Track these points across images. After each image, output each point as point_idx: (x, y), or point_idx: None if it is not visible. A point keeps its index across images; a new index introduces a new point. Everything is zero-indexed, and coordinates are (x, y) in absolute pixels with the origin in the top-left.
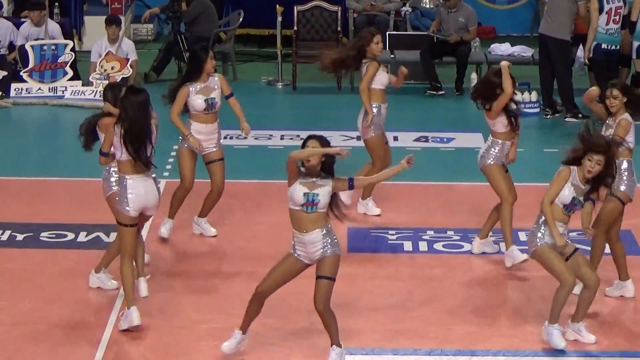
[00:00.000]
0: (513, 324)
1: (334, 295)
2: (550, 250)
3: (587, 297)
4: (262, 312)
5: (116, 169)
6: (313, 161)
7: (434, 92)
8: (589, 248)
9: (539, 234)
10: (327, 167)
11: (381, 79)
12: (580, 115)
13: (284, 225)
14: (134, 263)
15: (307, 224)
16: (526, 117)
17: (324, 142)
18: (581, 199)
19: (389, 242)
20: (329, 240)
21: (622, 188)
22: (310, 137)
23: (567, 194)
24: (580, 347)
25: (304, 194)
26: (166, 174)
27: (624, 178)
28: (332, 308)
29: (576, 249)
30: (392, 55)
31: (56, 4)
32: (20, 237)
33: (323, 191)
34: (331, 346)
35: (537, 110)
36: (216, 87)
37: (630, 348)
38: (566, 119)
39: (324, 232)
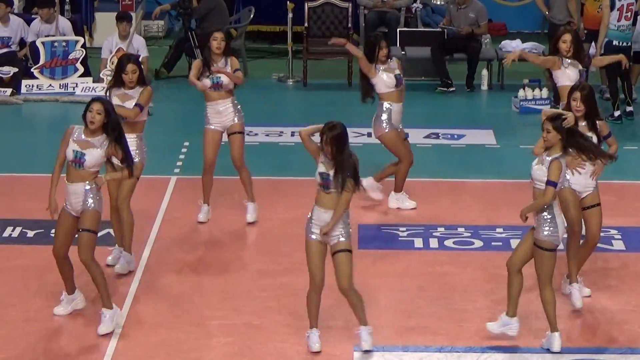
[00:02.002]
0: (524, 321)
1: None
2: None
3: None
4: (271, 308)
5: None
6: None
7: (445, 89)
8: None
9: None
10: (106, 129)
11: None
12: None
13: (295, 221)
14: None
15: (73, 177)
16: (537, 113)
17: (108, 104)
18: (331, 173)
19: (400, 238)
20: (91, 196)
21: (545, 234)
22: (94, 100)
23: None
24: (592, 343)
25: (73, 150)
26: (177, 170)
27: (544, 224)
28: (341, 304)
29: None
30: (402, 52)
31: (67, 0)
32: (30, 233)
33: (92, 152)
34: (102, 309)
35: (548, 106)
36: None
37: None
38: None
39: (87, 187)
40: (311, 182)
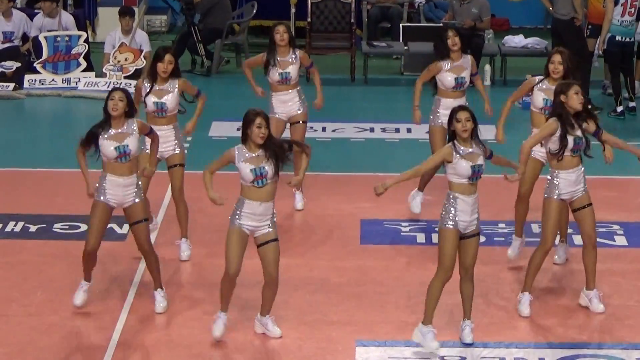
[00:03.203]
0: (525, 317)
1: (346, 286)
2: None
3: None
4: (274, 304)
5: None
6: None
7: None
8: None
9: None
10: (128, 114)
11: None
12: (589, 106)
13: (296, 216)
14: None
15: (122, 171)
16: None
17: (128, 93)
18: None
19: (402, 234)
20: (138, 187)
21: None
22: (114, 90)
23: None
24: (593, 339)
25: (114, 147)
26: None
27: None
28: (344, 299)
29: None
30: (405, 47)
31: None
32: (33, 228)
33: (130, 140)
34: (155, 290)
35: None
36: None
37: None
38: None
39: (136, 179)
40: (316, 177)
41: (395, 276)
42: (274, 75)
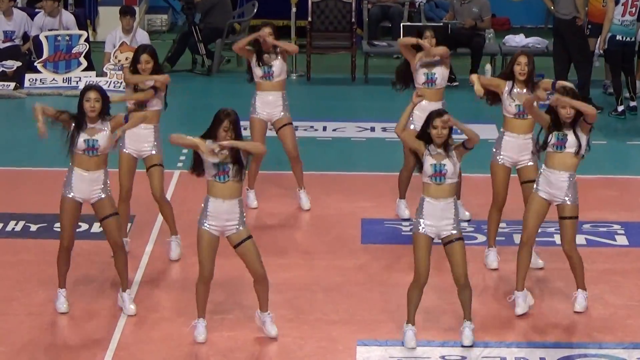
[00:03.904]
0: (525, 315)
1: (348, 285)
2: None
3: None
4: (274, 303)
5: None
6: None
7: (448, 83)
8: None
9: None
10: (103, 112)
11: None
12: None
13: (297, 216)
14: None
15: (88, 165)
16: (541, 108)
17: (103, 91)
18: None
19: (403, 233)
20: (107, 183)
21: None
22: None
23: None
24: (594, 338)
25: (84, 140)
26: (180, 164)
27: None
28: (344, 299)
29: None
30: None
31: None
32: (34, 227)
33: (101, 135)
34: (123, 291)
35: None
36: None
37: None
38: None
39: (104, 175)
40: (317, 177)
41: (396, 275)
42: (257, 70)
